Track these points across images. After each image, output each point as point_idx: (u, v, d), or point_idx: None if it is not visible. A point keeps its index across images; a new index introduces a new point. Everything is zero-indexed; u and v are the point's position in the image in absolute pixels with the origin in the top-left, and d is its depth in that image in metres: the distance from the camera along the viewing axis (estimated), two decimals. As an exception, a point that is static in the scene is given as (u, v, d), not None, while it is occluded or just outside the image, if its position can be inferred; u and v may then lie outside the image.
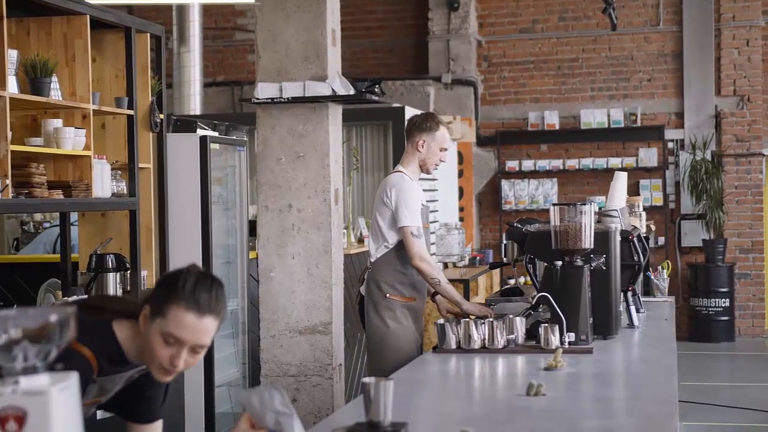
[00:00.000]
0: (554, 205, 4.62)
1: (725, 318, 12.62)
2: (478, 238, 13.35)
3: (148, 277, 6.07)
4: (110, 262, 5.62)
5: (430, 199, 10.37)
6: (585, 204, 4.60)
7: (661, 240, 12.92)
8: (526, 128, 13.39)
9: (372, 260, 5.44)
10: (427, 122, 5.45)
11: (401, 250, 5.30)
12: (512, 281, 10.59)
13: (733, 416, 8.61)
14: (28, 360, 1.84)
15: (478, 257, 11.03)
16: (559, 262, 4.57)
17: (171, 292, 2.71)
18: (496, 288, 10.76)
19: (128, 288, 5.82)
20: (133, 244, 5.86)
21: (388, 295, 5.36)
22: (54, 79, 5.16)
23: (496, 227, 13.32)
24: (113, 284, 5.61)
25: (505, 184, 13.30)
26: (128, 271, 5.80)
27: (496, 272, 11.29)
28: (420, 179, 5.48)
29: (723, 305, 12.57)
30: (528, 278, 6.16)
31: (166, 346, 2.71)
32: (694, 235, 12.94)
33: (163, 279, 2.82)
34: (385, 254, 5.36)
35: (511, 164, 13.32)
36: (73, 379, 1.85)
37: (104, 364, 2.77)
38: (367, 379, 2.83)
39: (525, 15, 13.48)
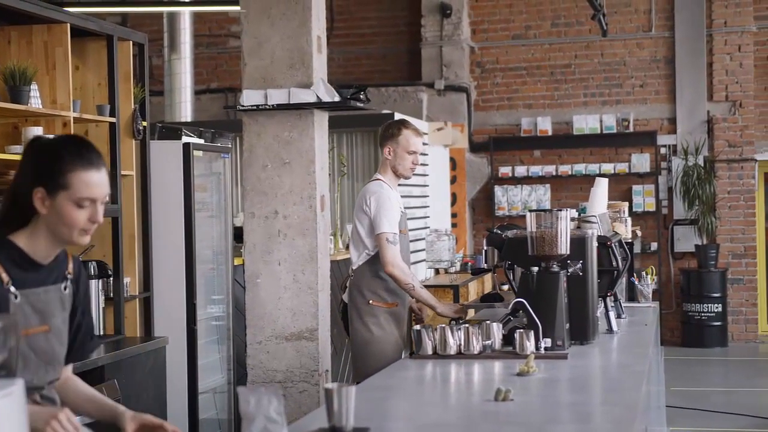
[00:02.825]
0: (531, 211, 4.64)
1: (718, 323, 12.62)
2: (472, 244, 13.35)
3: (131, 284, 6.08)
4: (92, 269, 5.63)
5: (421, 205, 10.43)
6: (561, 210, 4.60)
7: (654, 245, 12.92)
8: (519, 134, 13.40)
9: (353, 267, 5.48)
10: (389, 129, 5.52)
11: (382, 256, 5.34)
12: (506, 287, 10.56)
13: (724, 421, 8.60)
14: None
15: (469, 263, 11.02)
16: (536, 268, 4.58)
17: (62, 164, 2.81)
18: (489, 294, 10.74)
19: (111, 295, 5.83)
20: (116, 251, 5.87)
21: (371, 301, 5.40)
22: (34, 86, 5.18)
23: (490, 233, 13.27)
24: (95, 291, 5.62)
25: (498, 190, 13.30)
26: (111, 278, 5.81)
27: (488, 278, 11.28)
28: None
29: (716, 310, 12.58)
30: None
31: (81, 211, 2.82)
32: (686, 240, 12.94)
33: (40, 157, 2.86)
34: (366, 261, 5.41)
35: (504, 170, 13.33)
36: (17, 385, 1.86)
37: (15, 272, 2.83)
38: (329, 385, 2.86)
39: (517, 21, 13.50)
